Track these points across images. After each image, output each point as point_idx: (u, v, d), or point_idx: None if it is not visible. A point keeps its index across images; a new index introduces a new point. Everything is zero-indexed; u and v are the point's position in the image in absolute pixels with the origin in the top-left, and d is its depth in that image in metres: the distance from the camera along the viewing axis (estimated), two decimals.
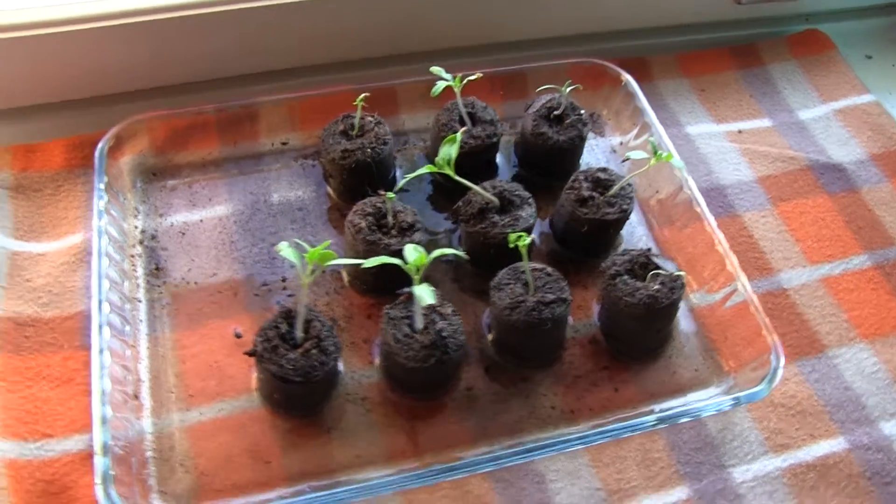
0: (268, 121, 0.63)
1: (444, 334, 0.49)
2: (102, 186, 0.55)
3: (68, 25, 0.59)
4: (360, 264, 0.47)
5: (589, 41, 0.74)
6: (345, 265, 0.57)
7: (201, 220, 0.59)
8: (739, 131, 0.71)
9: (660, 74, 0.74)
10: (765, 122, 0.72)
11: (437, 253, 0.46)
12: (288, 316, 0.49)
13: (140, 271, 0.56)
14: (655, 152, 0.54)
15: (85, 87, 0.64)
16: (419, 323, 0.49)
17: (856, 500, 0.52)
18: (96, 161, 0.57)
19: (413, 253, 0.46)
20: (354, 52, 0.68)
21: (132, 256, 0.56)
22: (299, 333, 0.48)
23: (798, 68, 0.76)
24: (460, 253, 0.48)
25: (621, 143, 0.67)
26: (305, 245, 0.46)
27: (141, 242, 0.57)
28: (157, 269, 0.56)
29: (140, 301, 0.55)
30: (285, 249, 0.46)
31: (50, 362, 0.52)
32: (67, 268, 0.57)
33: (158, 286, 0.56)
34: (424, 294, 0.44)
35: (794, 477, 0.53)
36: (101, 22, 0.59)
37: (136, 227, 0.58)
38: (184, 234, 0.58)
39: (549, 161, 0.62)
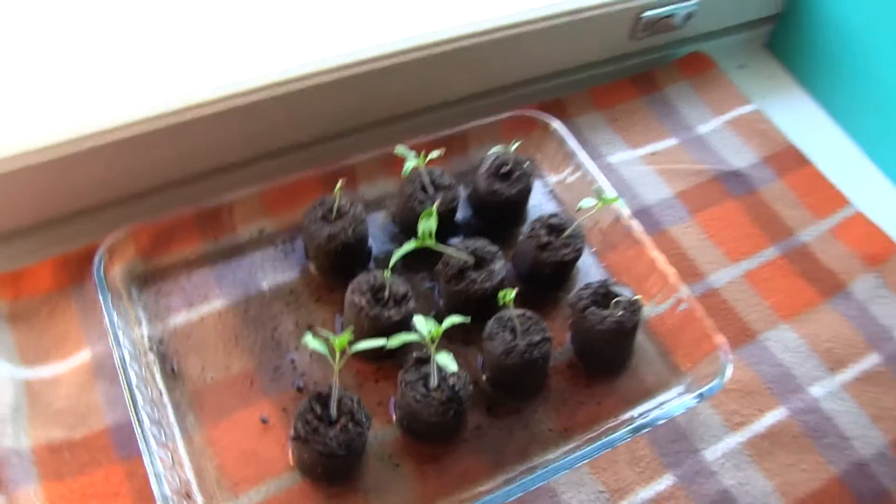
0: (242, 213, 0.70)
1: (456, 388, 0.58)
2: (110, 303, 0.61)
3: (39, 156, 0.64)
4: (377, 343, 0.56)
5: (511, 90, 0.85)
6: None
7: (202, 318, 0.66)
8: (653, 153, 0.84)
9: (576, 111, 0.86)
10: (672, 142, 0.85)
11: (447, 323, 0.56)
12: (318, 398, 0.57)
13: (158, 377, 0.62)
14: (601, 197, 0.66)
15: (60, 207, 0.69)
16: (434, 382, 0.58)
17: (802, 456, 0.66)
18: (96, 279, 0.62)
19: (426, 325, 0.56)
20: (308, 135, 0.76)
21: (147, 364, 0.62)
22: (334, 412, 0.56)
23: (690, 88, 0.90)
24: (466, 319, 0.57)
25: (557, 182, 0.79)
26: (329, 333, 0.55)
27: (151, 349, 0.64)
28: (172, 371, 0.63)
29: (166, 405, 0.61)
30: (312, 341, 0.54)
31: (93, 481, 0.58)
32: (84, 386, 0.62)
33: (178, 388, 0.62)
34: (448, 362, 0.53)
35: (753, 447, 0.66)
36: (72, 147, 0.64)
37: (142, 336, 0.64)
38: (189, 335, 0.65)
39: (503, 212, 0.73)
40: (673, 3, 0.86)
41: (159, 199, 0.72)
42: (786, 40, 0.98)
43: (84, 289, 0.67)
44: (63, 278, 0.67)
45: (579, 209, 0.66)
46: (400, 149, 0.66)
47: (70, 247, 0.69)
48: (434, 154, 0.66)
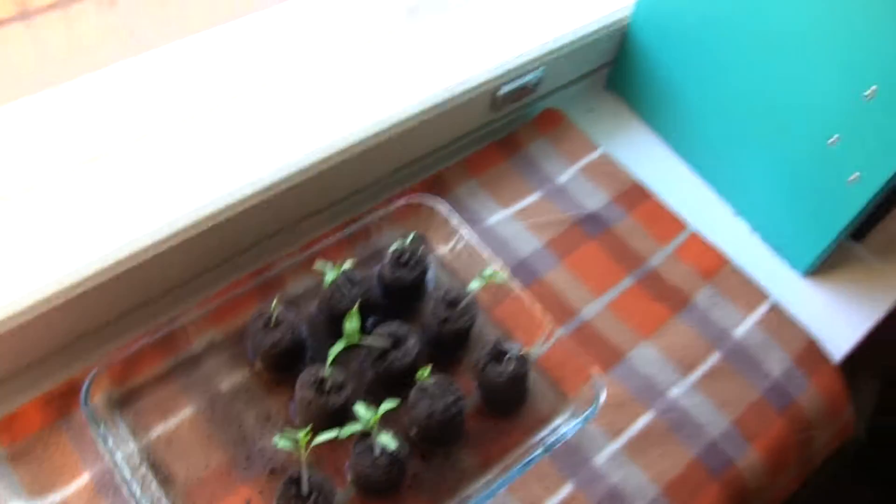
0: (193, 330, 0.89)
1: (395, 453, 0.81)
2: (103, 432, 0.81)
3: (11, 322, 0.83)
4: (332, 434, 0.78)
5: (399, 172, 1.08)
6: (300, 420, 0.87)
7: (178, 426, 0.86)
8: (522, 210, 1.08)
9: (455, 182, 1.08)
10: (537, 196, 1.09)
11: (383, 409, 0.79)
12: (291, 481, 0.79)
13: (153, 484, 0.82)
14: (485, 276, 0.90)
15: (34, 353, 0.87)
16: (378, 452, 0.81)
17: (668, 448, 0.92)
18: (87, 416, 0.81)
19: (366, 411, 0.78)
20: (237, 249, 0.97)
21: (142, 476, 0.82)
22: (305, 490, 0.78)
23: (547, 143, 1.15)
24: (395, 402, 0.80)
25: (448, 252, 1.01)
26: (293, 432, 0.76)
27: (142, 463, 0.83)
28: (164, 478, 0.83)
29: None
30: (282, 442, 0.76)
31: None
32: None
33: (172, 490, 0.82)
34: (388, 442, 0.76)
35: (631, 448, 0.91)
36: (40, 307, 0.83)
37: (132, 452, 0.84)
38: (170, 442, 0.85)
39: (408, 292, 0.95)
40: (523, 76, 1.10)
41: (120, 326, 0.92)
42: (623, 81, 1.24)
43: (70, 420, 0.86)
44: (50, 415, 0.86)
45: (469, 293, 0.90)
46: (318, 265, 0.88)
47: (48, 384, 0.87)
48: (347, 264, 0.88)
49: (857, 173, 0.98)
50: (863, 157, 0.97)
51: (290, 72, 1.05)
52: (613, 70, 1.24)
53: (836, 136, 0.98)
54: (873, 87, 0.92)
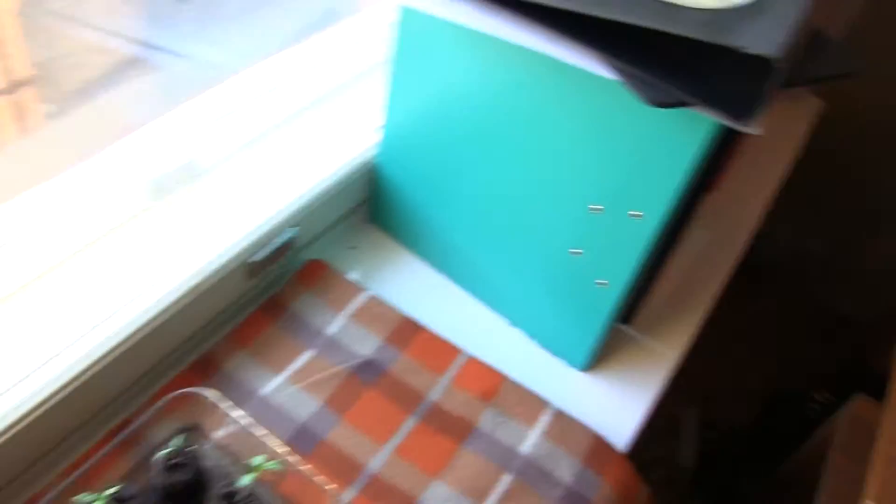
0: None
1: None
2: None
3: None
4: None
5: (166, 359, 1.09)
6: None
7: None
8: (296, 372, 1.11)
9: (224, 359, 1.11)
10: (310, 354, 1.13)
11: None
12: None
13: None
14: (256, 466, 0.92)
15: None
16: None
17: None
18: None
19: None
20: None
21: None
22: None
23: (312, 296, 1.19)
24: None
25: (226, 435, 1.03)
26: None
27: None
28: None
29: None
30: None
31: None
32: None
33: None
34: None
35: None
36: None
37: None
38: None
39: (186, 493, 0.96)
40: (276, 238, 1.14)
41: None
42: (382, 215, 1.31)
43: None
44: None
45: (241, 485, 0.92)
46: (78, 500, 0.88)
47: None
48: (112, 489, 0.89)
49: (604, 277, 1.08)
50: (603, 264, 1.07)
51: (31, 274, 1.05)
52: (370, 205, 1.30)
53: (577, 247, 1.08)
54: (599, 206, 1.02)
